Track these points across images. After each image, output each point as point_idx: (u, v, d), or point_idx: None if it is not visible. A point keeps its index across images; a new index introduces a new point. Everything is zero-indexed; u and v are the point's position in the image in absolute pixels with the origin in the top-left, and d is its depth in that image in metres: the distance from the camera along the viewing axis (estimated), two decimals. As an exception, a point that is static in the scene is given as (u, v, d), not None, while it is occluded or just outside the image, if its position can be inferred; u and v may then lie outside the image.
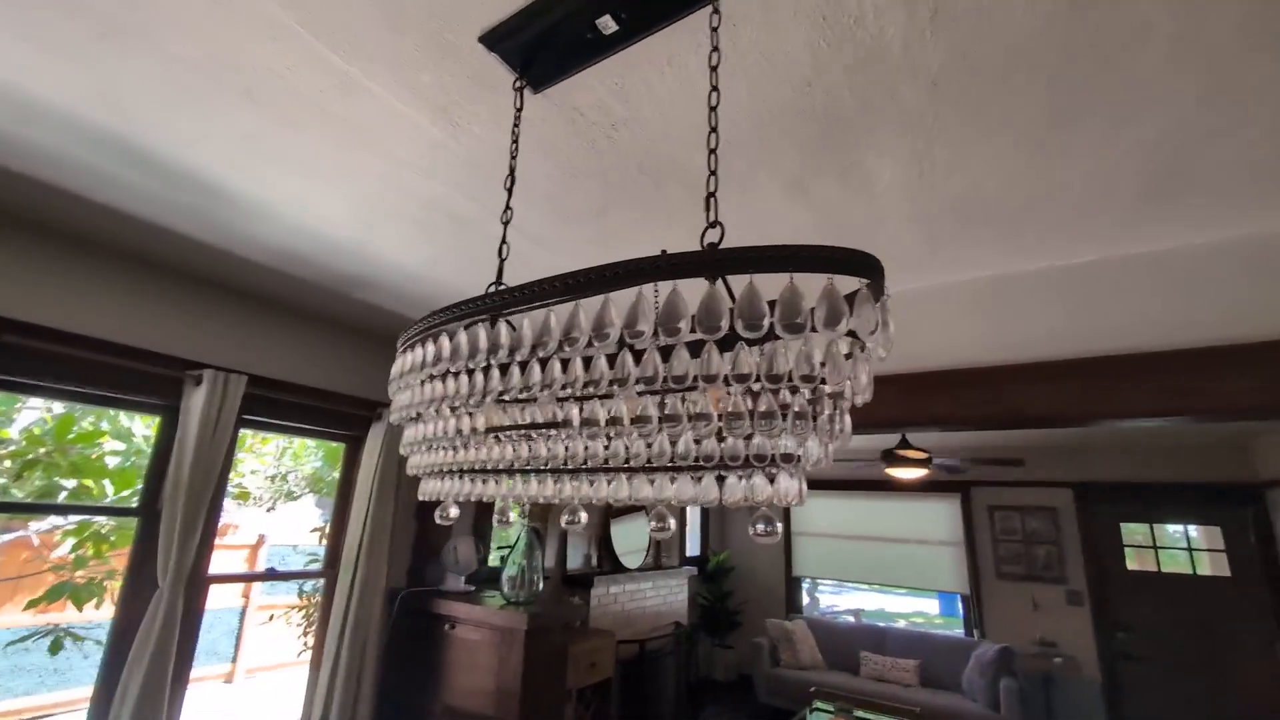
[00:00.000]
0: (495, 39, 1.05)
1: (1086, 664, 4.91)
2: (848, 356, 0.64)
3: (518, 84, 1.10)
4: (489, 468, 0.82)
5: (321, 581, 2.72)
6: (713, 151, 0.79)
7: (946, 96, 1.16)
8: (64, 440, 2.54)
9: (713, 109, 0.81)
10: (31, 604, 2.45)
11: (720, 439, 0.68)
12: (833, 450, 0.72)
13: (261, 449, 3.85)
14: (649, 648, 4.55)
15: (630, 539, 5.00)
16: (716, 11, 0.86)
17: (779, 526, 0.67)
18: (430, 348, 0.78)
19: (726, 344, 0.65)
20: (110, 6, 1.02)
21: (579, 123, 1.28)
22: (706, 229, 0.76)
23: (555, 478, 0.82)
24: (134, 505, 2.19)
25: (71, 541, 2.79)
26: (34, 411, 2.77)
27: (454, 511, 0.87)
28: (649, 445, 0.78)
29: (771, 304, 0.61)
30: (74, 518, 2.79)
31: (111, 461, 2.99)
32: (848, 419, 0.67)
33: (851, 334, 0.61)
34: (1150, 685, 4.71)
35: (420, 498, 0.95)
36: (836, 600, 8.26)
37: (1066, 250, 1.75)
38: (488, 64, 1.12)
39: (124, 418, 3.15)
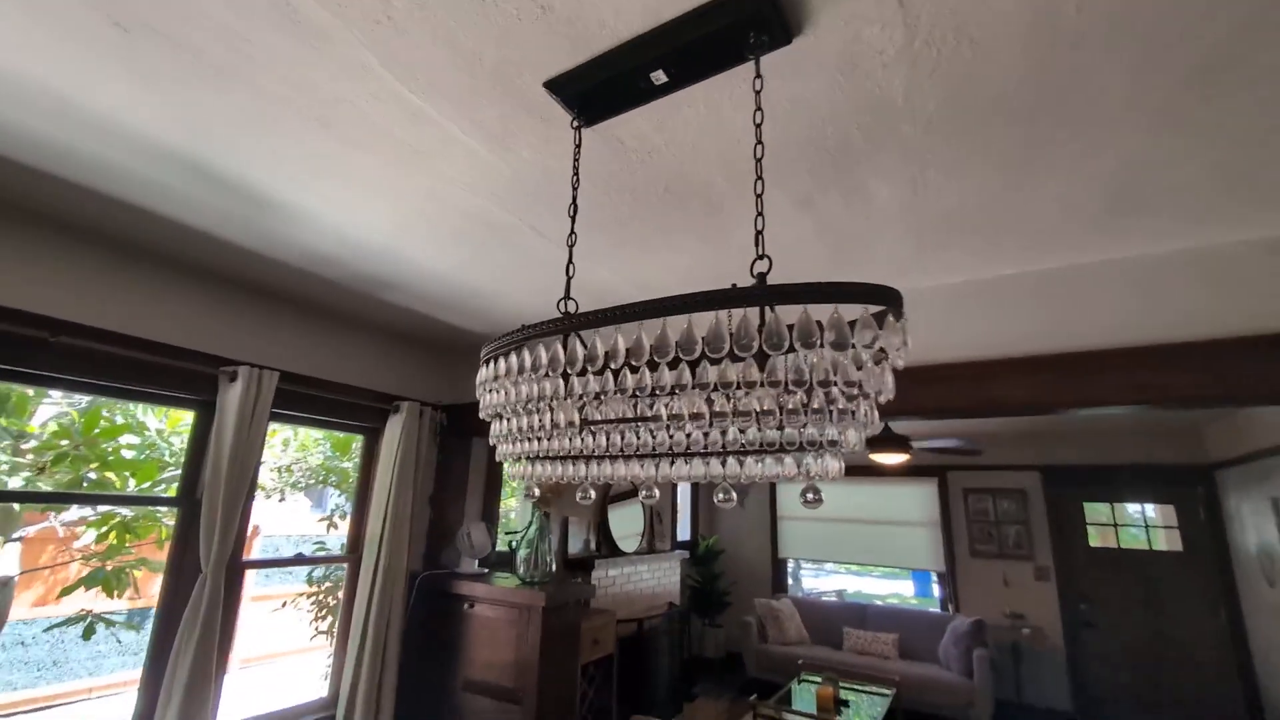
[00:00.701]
0: (558, 85, 1.21)
1: (1051, 634, 5.27)
2: (877, 363, 0.82)
3: (575, 124, 1.26)
4: (575, 454, 0.99)
5: (332, 567, 2.86)
6: (759, 196, 0.97)
7: (939, 132, 1.35)
8: (91, 434, 2.63)
9: (758, 160, 0.98)
10: (65, 592, 2.55)
11: (780, 428, 0.85)
12: (863, 437, 0.90)
13: (270, 440, 3.94)
14: (646, 626, 4.76)
15: (626, 524, 5.20)
16: (759, 75, 1.03)
17: (823, 495, 0.86)
18: (527, 355, 0.94)
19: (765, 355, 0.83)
20: (216, 49, 1.16)
21: (618, 150, 1.45)
22: (755, 260, 0.93)
23: (640, 461, 0.99)
24: (171, 495, 2.30)
25: (94, 533, 2.88)
26: (53, 407, 2.85)
27: (536, 491, 1.04)
28: (707, 435, 0.96)
29: (818, 323, 0.79)
30: (101, 508, 2.88)
31: (127, 455, 3.08)
32: (876, 413, 0.86)
33: (881, 349, 0.79)
34: (1109, 652, 5.08)
35: (512, 480, 1.11)
36: (818, 583, 8.58)
37: (1041, 258, 1.97)
38: (548, 104, 1.27)
39: (139, 413, 3.23)
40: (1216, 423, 4.87)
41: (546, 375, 0.92)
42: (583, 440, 0.95)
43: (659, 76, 1.16)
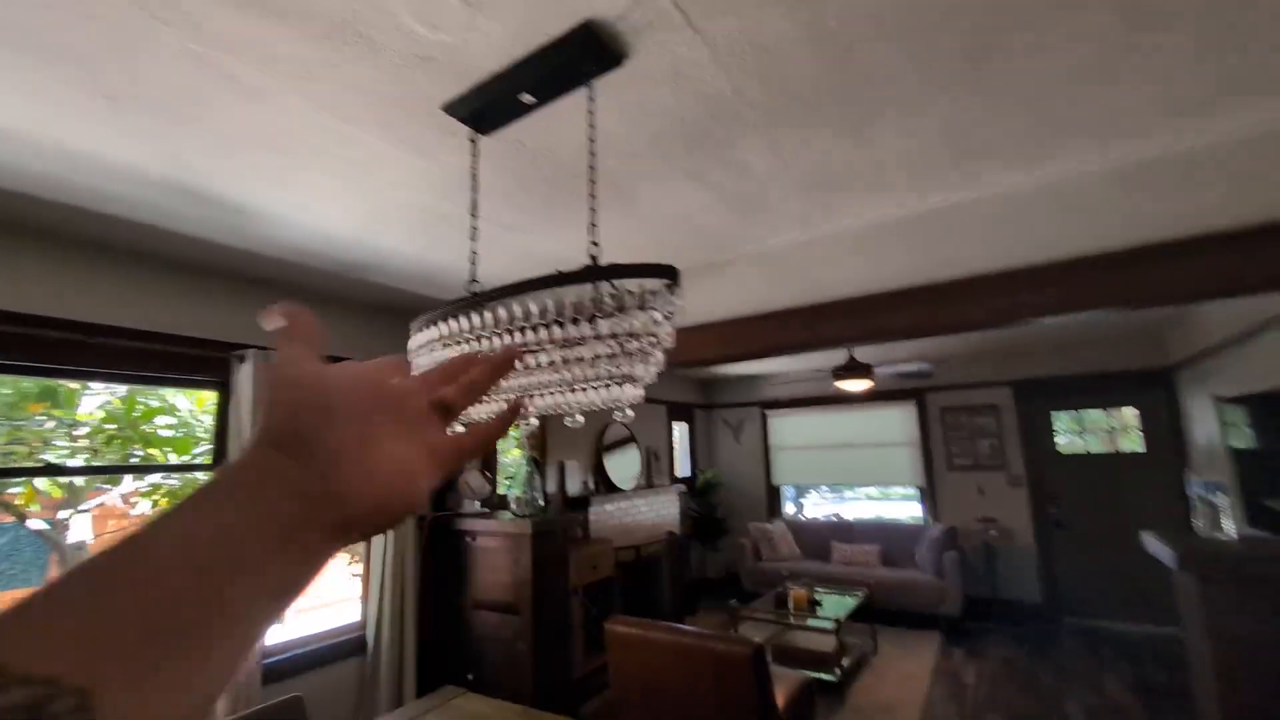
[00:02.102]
0: (452, 109, 1.51)
1: (1023, 536, 5.70)
2: (667, 317, 1.16)
3: (471, 137, 1.57)
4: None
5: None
6: (592, 195, 1.29)
7: (780, 113, 1.63)
8: (131, 418, 3.08)
9: (590, 167, 1.29)
10: None
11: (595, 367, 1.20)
12: (654, 373, 1.25)
13: None
14: (644, 553, 5.29)
15: (624, 467, 5.67)
16: (591, 98, 1.33)
17: (631, 414, 1.22)
18: (439, 326, 1.29)
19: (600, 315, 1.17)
20: (182, 105, 1.48)
21: (521, 150, 1.75)
22: (590, 244, 1.26)
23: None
24: (205, 464, 2.75)
25: (148, 503, 3.38)
26: (97, 397, 3.29)
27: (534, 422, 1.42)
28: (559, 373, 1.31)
29: (631, 294, 1.12)
30: (148, 481, 3.37)
31: (165, 434, 3.54)
32: (660, 354, 1.21)
33: (669, 313, 1.13)
34: (1076, 549, 5.51)
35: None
36: (820, 511, 9.12)
37: (909, 202, 2.25)
38: (450, 122, 1.58)
39: (170, 395, 3.67)
40: (1176, 328, 5.10)
41: (448, 345, 1.28)
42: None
43: (527, 98, 1.45)
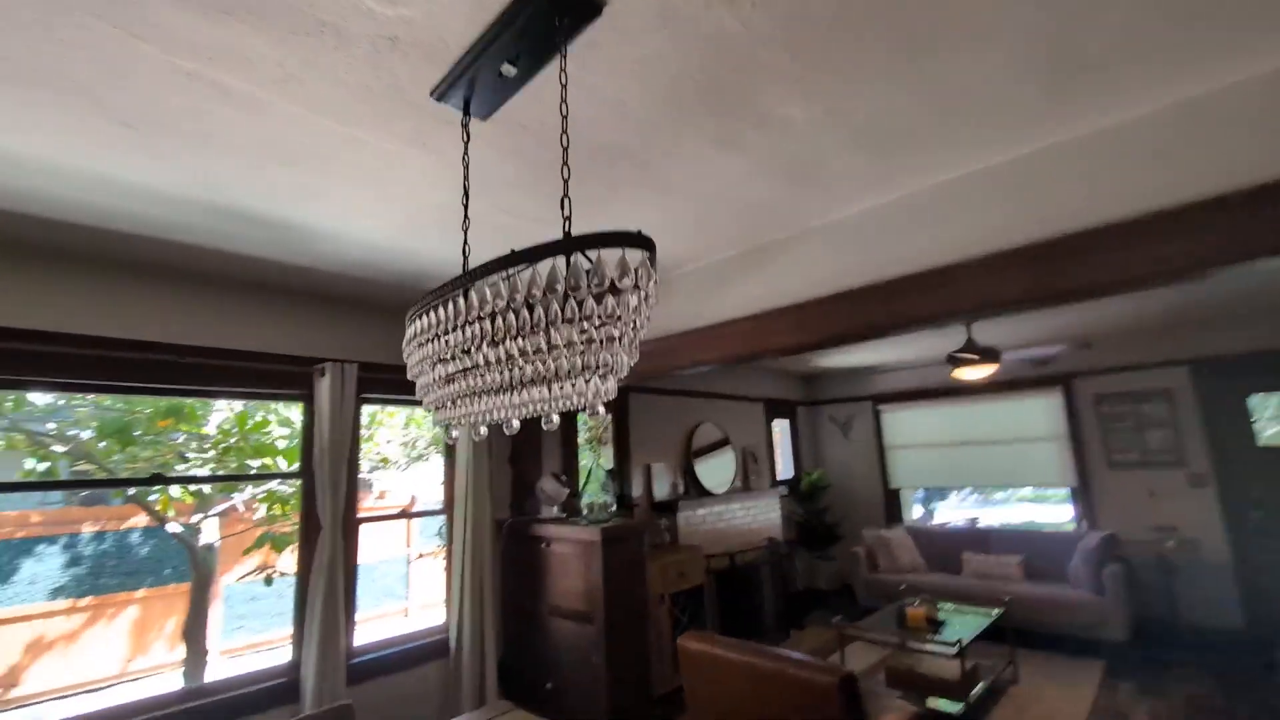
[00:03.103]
0: (441, 94, 1.42)
1: (1208, 545, 4.68)
2: (645, 296, 0.96)
3: (464, 120, 1.47)
4: (456, 396, 1.23)
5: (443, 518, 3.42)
6: (565, 164, 1.12)
7: (800, 51, 1.36)
8: (244, 430, 3.40)
9: (564, 131, 1.12)
10: (246, 551, 3.39)
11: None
12: (631, 362, 1.04)
13: (391, 421, 4.72)
14: (740, 561, 5.00)
15: (716, 472, 5.42)
16: (564, 56, 1.16)
17: (603, 412, 1.03)
18: (419, 322, 1.19)
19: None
20: (188, 125, 1.52)
21: (525, 132, 1.63)
22: (565, 220, 1.09)
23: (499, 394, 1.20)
24: (297, 470, 2.93)
25: (263, 508, 3.72)
26: (221, 413, 3.68)
27: (454, 435, 1.30)
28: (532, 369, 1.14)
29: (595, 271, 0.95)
30: (265, 486, 3.72)
31: (282, 444, 3.88)
32: (637, 338, 1.00)
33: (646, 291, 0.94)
34: (1289, 563, 4.41)
35: (436, 424, 1.39)
36: (956, 516, 8.20)
37: (998, 149, 1.83)
38: (443, 109, 1.49)
39: (282, 408, 4.03)
40: None
41: (434, 339, 1.17)
42: (466, 381, 1.17)
43: (508, 69, 1.32)
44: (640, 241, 0.94)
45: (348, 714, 1.83)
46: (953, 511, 8.46)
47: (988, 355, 4.27)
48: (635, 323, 0.96)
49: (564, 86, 1.16)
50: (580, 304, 0.95)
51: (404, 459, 4.94)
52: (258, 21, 1.19)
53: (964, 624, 3.95)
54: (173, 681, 4.16)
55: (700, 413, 5.49)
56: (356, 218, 2.09)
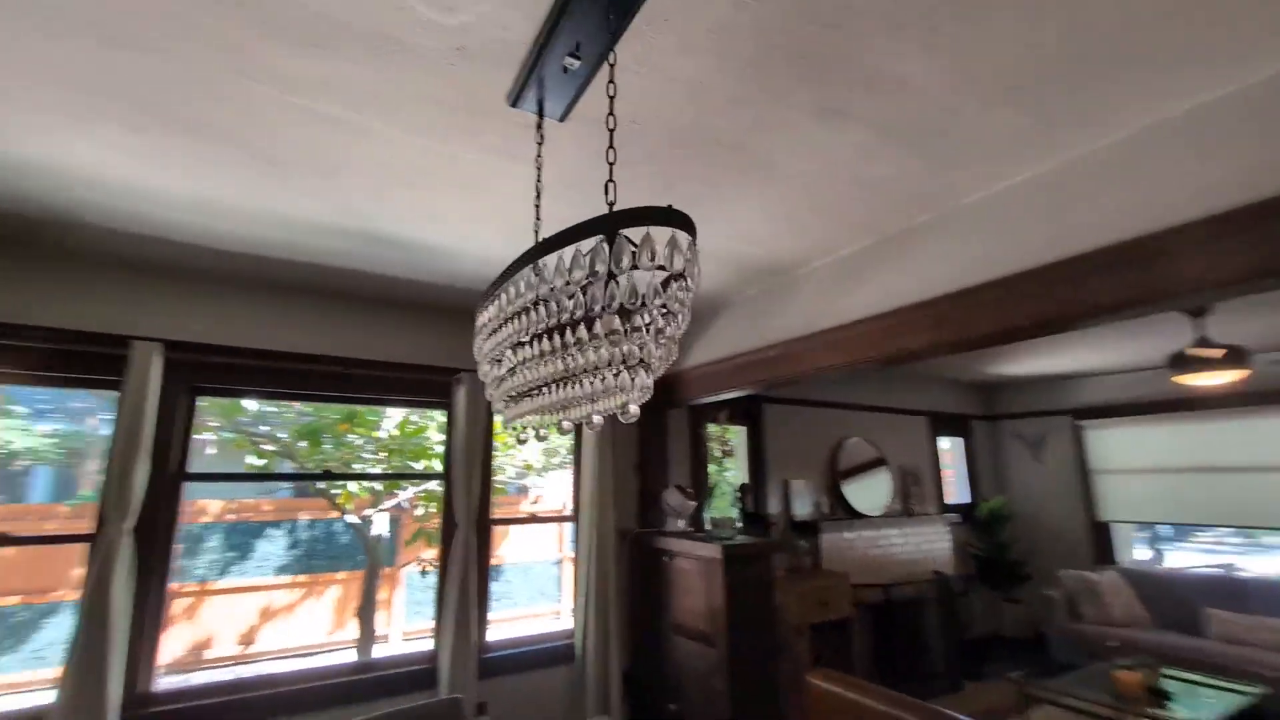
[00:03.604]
0: (515, 98, 1.42)
1: None
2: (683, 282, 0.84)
3: (538, 122, 1.46)
4: (508, 395, 1.19)
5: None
6: (611, 147, 1.03)
7: (910, -17, 1.13)
8: (405, 434, 3.80)
9: (610, 99, 1.04)
10: (407, 544, 3.77)
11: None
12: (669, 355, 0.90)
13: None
14: (897, 595, 4.45)
15: (868, 492, 4.92)
16: (611, 65, 1.08)
17: (635, 412, 0.90)
18: (481, 315, 1.18)
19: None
20: (320, 156, 1.70)
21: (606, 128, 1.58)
22: (609, 205, 1.01)
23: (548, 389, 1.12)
24: (439, 472, 3.18)
25: (421, 506, 4.11)
26: (393, 419, 4.15)
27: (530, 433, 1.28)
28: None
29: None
30: (423, 486, 4.12)
31: (439, 448, 4.28)
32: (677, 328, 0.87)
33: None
34: None
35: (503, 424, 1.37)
36: (1193, 560, 6.63)
37: (1197, 85, 1.37)
38: (521, 115, 1.50)
39: (439, 414, 4.43)
40: None
41: (495, 331, 1.15)
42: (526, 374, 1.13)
43: (572, 63, 1.28)
44: (679, 219, 0.82)
45: (456, 709, 1.89)
46: (1192, 555, 6.82)
47: (1233, 356, 3.34)
48: (677, 308, 0.84)
49: (610, 66, 1.08)
50: (609, 297, 0.86)
51: (545, 465, 5.19)
52: (340, 48, 1.28)
53: (1204, 702, 3.08)
54: (349, 655, 4.80)
55: (846, 426, 5.03)
56: (468, 232, 2.21)
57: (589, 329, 0.91)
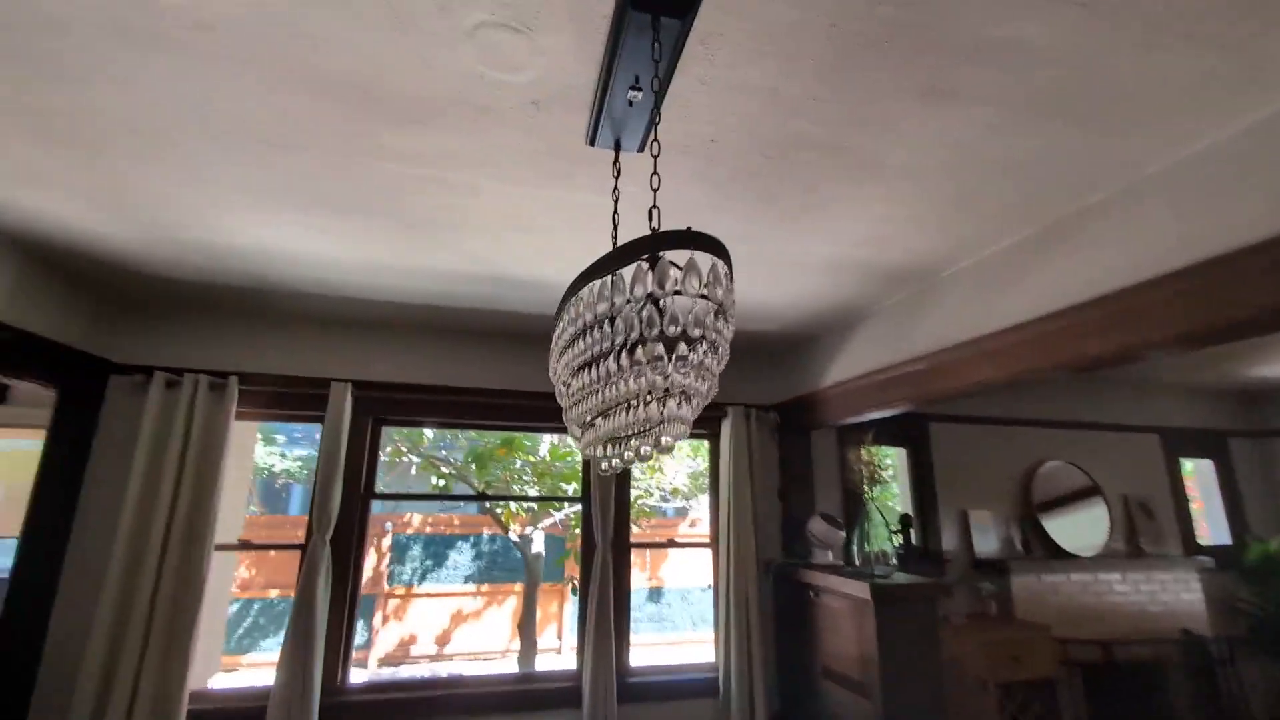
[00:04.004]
0: (592, 138, 1.47)
1: None
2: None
3: (615, 158, 1.49)
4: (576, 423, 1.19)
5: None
6: (655, 173, 1.01)
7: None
8: (554, 458, 4.05)
9: (654, 139, 1.02)
10: (557, 562, 4.00)
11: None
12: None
13: (678, 453, 5.04)
14: (1123, 656, 3.62)
15: (1075, 530, 4.12)
16: (658, 53, 1.07)
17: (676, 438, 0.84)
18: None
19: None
20: (445, 215, 1.91)
21: (688, 153, 1.56)
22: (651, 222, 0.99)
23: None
24: (577, 496, 3.33)
25: (575, 524, 4.33)
26: (544, 445, 4.46)
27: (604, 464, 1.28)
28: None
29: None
30: (575, 507, 4.35)
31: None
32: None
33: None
34: None
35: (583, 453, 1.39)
36: None
37: None
38: (603, 154, 1.55)
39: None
40: None
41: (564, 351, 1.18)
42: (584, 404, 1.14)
43: (635, 95, 1.29)
44: (710, 244, 0.78)
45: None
46: None
47: None
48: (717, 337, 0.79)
49: (660, 83, 1.06)
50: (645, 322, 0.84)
51: (692, 490, 5.17)
52: (437, 121, 1.44)
53: None
54: (512, 665, 5.16)
55: (1043, 447, 4.27)
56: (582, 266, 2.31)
57: (629, 357, 0.89)
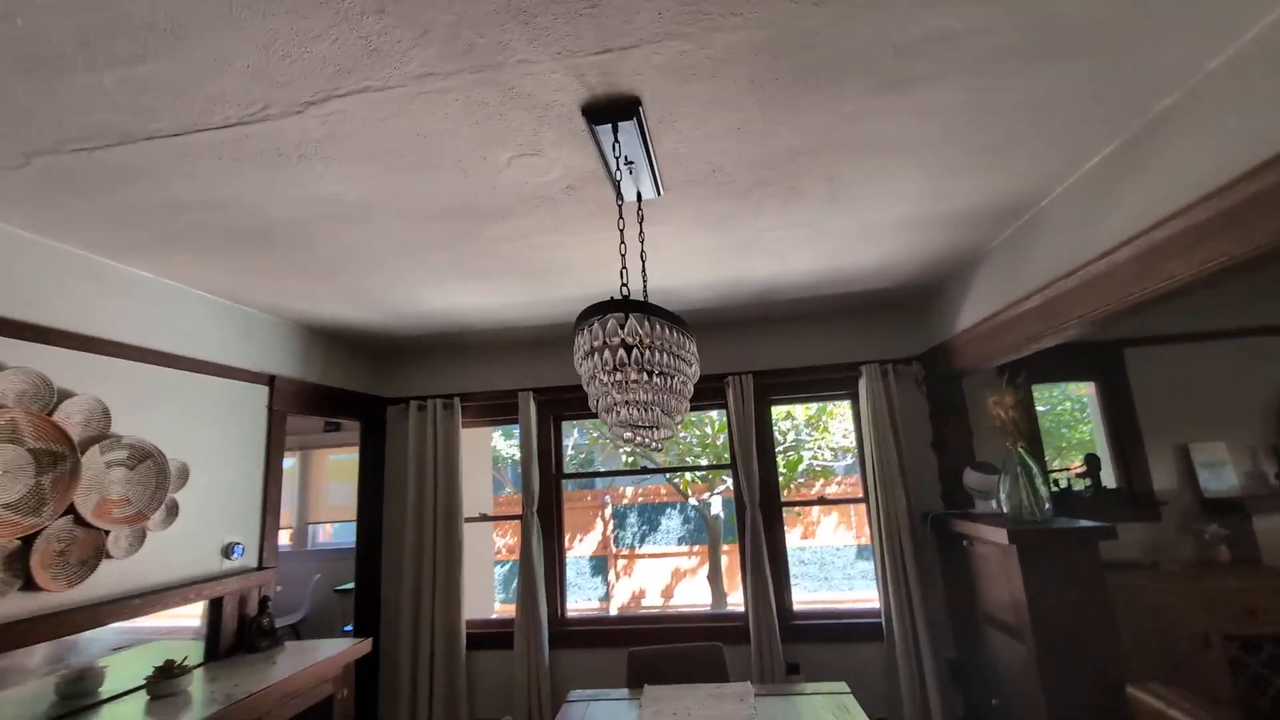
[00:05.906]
0: (618, 197, 1.88)
1: None
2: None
3: (638, 205, 1.88)
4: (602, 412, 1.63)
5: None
6: (620, 216, 1.41)
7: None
8: (716, 430, 4.47)
9: (619, 197, 1.42)
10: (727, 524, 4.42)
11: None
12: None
13: (829, 421, 5.01)
14: None
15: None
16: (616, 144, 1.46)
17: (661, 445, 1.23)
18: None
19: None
20: (556, 268, 2.49)
21: (693, 182, 1.88)
22: (622, 287, 1.40)
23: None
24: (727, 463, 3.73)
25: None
26: (708, 421, 4.90)
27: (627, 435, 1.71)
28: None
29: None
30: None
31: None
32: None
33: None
34: None
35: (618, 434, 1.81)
36: None
37: None
38: (631, 203, 1.95)
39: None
40: None
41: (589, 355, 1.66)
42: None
43: (628, 168, 1.67)
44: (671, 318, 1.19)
45: (717, 654, 2.39)
46: None
47: None
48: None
49: (647, 155, 1.44)
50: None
51: (839, 452, 5.16)
52: (515, 212, 1.99)
53: None
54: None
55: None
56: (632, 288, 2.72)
57: (611, 377, 1.33)
